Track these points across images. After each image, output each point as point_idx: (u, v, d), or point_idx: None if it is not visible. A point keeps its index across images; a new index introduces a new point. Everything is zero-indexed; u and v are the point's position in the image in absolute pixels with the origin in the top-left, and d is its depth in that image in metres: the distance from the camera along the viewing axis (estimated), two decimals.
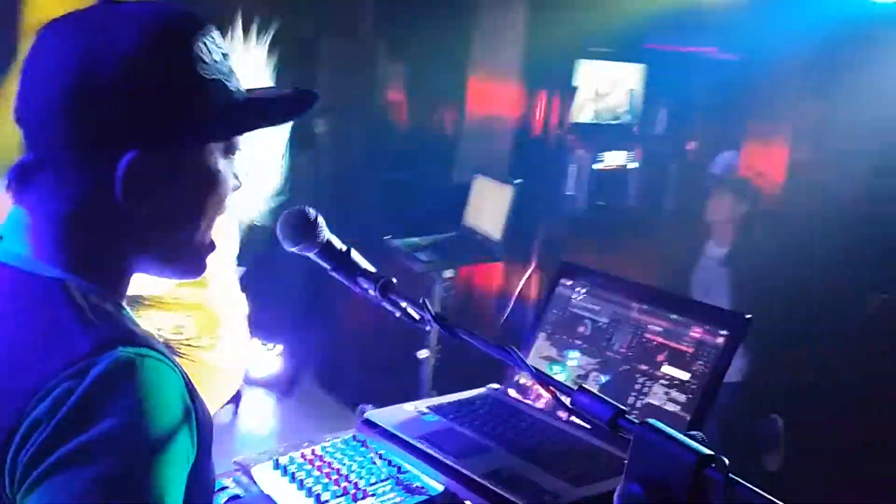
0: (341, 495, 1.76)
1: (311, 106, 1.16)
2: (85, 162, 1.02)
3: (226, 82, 1.08)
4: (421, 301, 1.32)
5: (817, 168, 6.54)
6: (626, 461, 1.05)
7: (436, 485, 1.77)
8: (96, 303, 1.00)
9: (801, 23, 5.82)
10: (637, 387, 1.66)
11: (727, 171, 8.02)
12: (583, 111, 6.21)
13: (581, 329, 1.80)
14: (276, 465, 1.81)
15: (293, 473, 1.84)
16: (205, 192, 1.09)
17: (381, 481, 1.81)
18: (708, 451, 1.01)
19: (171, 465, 0.91)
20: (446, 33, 5.94)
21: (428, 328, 1.40)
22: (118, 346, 0.93)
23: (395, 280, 1.37)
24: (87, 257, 1.05)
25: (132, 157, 1.01)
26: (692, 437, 1.05)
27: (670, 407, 1.60)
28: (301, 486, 1.75)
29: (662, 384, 1.64)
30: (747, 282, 4.10)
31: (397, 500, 1.76)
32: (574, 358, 1.78)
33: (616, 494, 1.05)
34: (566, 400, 1.12)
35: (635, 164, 6.29)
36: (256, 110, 1.13)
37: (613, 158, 6.18)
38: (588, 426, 1.70)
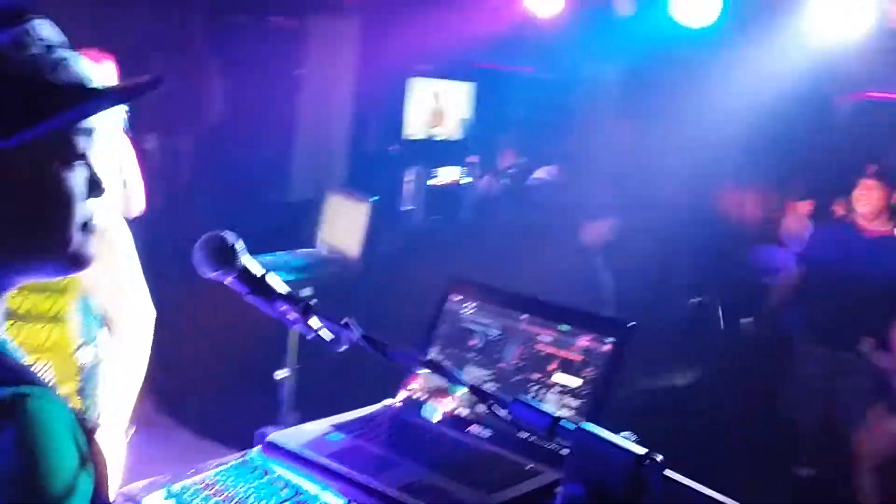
0: None
1: (143, 92, 1.05)
2: None
3: (47, 77, 0.98)
4: (343, 322, 1.35)
5: (635, 182, 6.98)
6: (565, 465, 1.13)
7: (337, 503, 1.79)
8: None
9: (617, 45, 6.22)
10: (531, 395, 1.75)
11: (543, 183, 8.44)
12: (416, 128, 6.36)
13: (473, 342, 1.88)
14: (170, 495, 1.77)
15: (190, 502, 1.80)
16: (37, 203, 1.01)
17: (282, 503, 1.81)
18: (643, 450, 1.10)
19: None
20: (277, 49, 5.91)
21: (343, 347, 1.43)
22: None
23: (314, 302, 1.39)
24: None
25: None
26: (625, 438, 1.14)
27: (564, 412, 1.70)
28: None
29: (555, 392, 1.74)
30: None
31: None
32: (468, 370, 1.85)
33: (559, 497, 1.12)
34: (503, 412, 1.19)
35: (468, 179, 6.49)
36: (67, 97, 1.00)
37: (447, 174, 6.36)
38: (487, 435, 1.77)
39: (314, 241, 3.79)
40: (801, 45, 4.96)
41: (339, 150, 6.01)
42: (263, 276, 1.40)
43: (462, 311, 1.92)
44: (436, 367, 1.25)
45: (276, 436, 1.71)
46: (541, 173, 8.39)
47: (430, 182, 6.26)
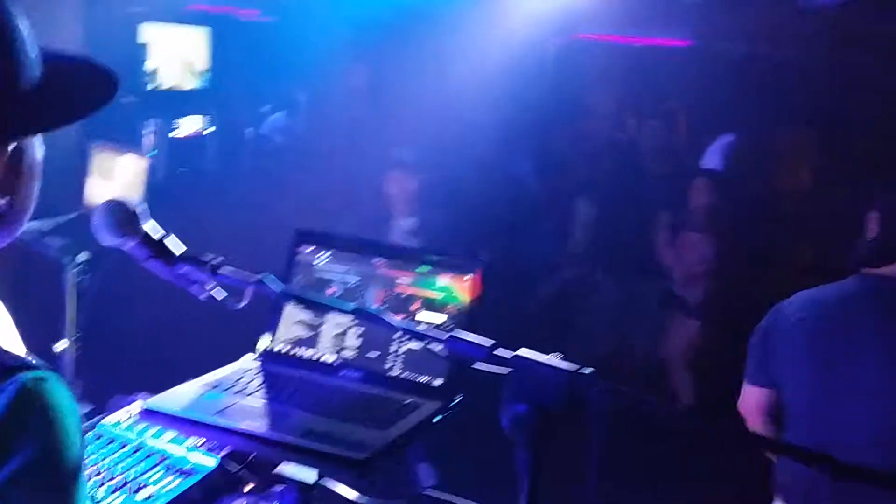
0: (116, 490, 1.71)
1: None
2: None
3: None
4: (257, 279, 1.36)
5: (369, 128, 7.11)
6: (505, 387, 1.25)
7: (207, 462, 1.79)
8: None
9: None
10: (397, 335, 1.84)
11: (273, 131, 8.41)
12: (154, 77, 6.05)
13: (331, 291, 1.92)
14: None
15: None
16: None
17: (151, 469, 1.78)
18: (573, 367, 1.25)
19: (83, 485, 0.95)
20: None
21: (240, 305, 1.44)
22: (18, 372, 0.92)
23: (219, 261, 1.38)
24: None
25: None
26: (554, 358, 1.28)
27: (433, 347, 1.80)
28: None
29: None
30: None
31: (175, 483, 1.76)
32: (329, 318, 1.90)
33: (505, 417, 1.24)
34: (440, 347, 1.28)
35: (212, 129, 6.29)
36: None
37: (189, 125, 6.13)
38: (359, 377, 1.84)
39: (77, 202, 3.54)
40: None
41: None
42: (163, 238, 1.36)
43: (315, 262, 1.96)
44: (372, 318, 1.30)
45: (152, 402, 1.67)
46: (273, 121, 8.32)
47: (171, 134, 6.00)
